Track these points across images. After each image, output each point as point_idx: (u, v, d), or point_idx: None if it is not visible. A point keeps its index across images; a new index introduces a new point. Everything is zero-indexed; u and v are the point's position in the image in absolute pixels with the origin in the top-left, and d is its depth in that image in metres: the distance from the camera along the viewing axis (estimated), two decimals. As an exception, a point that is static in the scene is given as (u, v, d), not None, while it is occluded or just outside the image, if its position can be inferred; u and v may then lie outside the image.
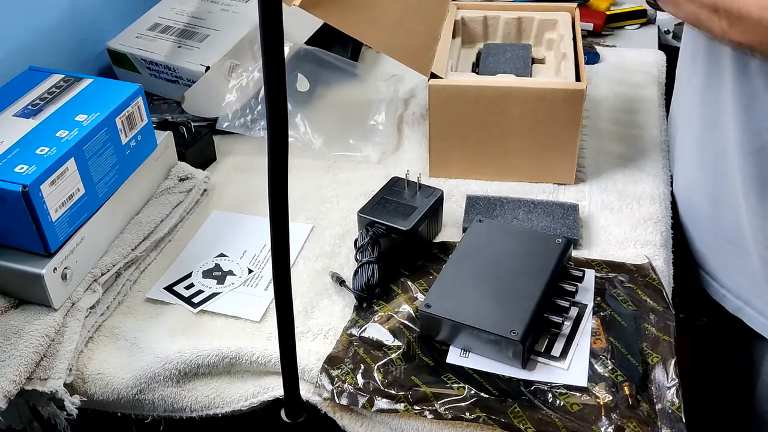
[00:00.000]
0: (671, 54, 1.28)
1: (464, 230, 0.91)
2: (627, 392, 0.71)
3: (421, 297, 0.82)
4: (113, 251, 0.87)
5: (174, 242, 0.94)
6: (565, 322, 0.77)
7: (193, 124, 1.05)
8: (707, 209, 0.90)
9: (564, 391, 0.71)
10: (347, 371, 0.74)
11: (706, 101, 0.87)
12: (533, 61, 1.06)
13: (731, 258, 0.89)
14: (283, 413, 0.71)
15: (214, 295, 0.85)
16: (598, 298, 0.80)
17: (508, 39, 1.12)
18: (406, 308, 0.80)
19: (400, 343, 0.76)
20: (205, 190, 1.01)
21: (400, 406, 0.70)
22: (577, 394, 0.71)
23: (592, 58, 1.25)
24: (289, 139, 0.86)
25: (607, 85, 1.19)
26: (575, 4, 1.11)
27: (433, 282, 0.80)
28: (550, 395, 0.71)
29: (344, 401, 0.72)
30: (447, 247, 0.89)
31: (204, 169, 1.03)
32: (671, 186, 0.98)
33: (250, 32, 1.14)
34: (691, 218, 0.95)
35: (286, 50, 1.10)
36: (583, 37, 1.30)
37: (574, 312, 0.79)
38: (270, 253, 0.61)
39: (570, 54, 0.99)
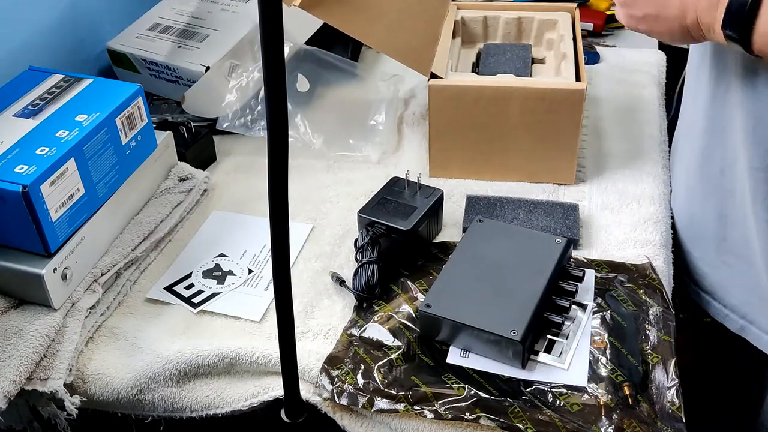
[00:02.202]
0: (671, 54, 1.28)
1: (464, 230, 0.91)
2: (627, 392, 0.71)
3: (421, 297, 0.82)
4: (113, 251, 0.87)
5: (174, 242, 0.94)
6: (565, 322, 0.77)
7: (193, 124, 1.05)
8: (713, 226, 0.88)
9: (564, 391, 0.71)
10: (347, 371, 0.74)
11: (712, 115, 0.84)
12: (533, 61, 1.06)
13: (738, 276, 0.87)
14: (283, 413, 0.71)
15: (214, 295, 0.85)
16: (598, 298, 0.80)
17: (508, 39, 1.12)
18: (406, 308, 0.80)
19: (400, 343, 0.76)
20: (205, 190, 1.01)
21: (400, 406, 0.71)
22: (577, 394, 0.71)
23: (592, 58, 1.25)
24: (289, 139, 0.85)
25: (607, 85, 1.19)
26: (575, 4, 1.11)
27: (433, 282, 0.80)
28: (550, 395, 0.71)
29: (344, 401, 0.72)
30: (447, 247, 0.89)
31: (204, 169, 1.03)
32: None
33: (250, 32, 1.14)
34: (692, 237, 0.93)
35: (286, 50, 1.10)
36: (583, 37, 1.30)
37: (574, 312, 0.79)
38: (270, 253, 0.61)
39: (570, 54, 0.99)
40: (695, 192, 0.91)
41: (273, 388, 0.76)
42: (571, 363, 0.74)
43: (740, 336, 0.89)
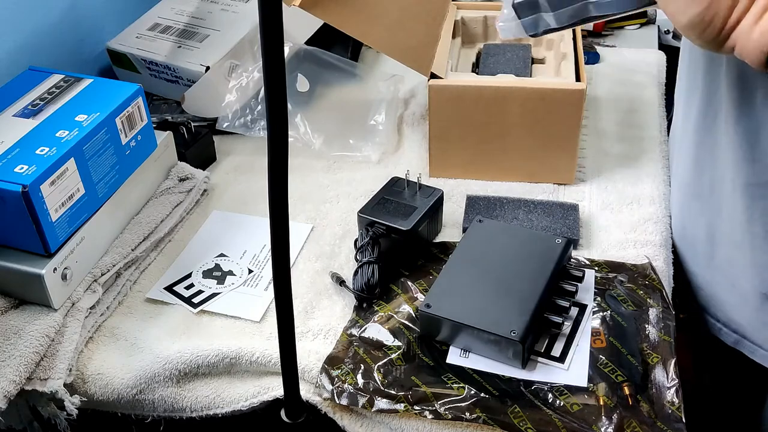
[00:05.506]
0: (671, 54, 1.28)
1: (464, 230, 0.91)
2: (627, 392, 0.71)
3: (421, 297, 0.82)
4: (113, 251, 0.87)
5: (174, 242, 0.94)
6: (565, 322, 0.77)
7: (193, 124, 1.05)
8: (703, 243, 0.88)
9: (564, 391, 0.71)
10: (347, 371, 0.74)
11: (704, 132, 0.84)
12: (533, 61, 1.06)
13: (726, 294, 0.87)
14: (283, 413, 0.71)
15: (214, 295, 0.85)
16: (598, 298, 0.80)
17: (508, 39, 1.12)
18: (406, 308, 0.80)
19: (400, 343, 0.76)
20: (205, 190, 1.01)
21: (400, 406, 0.71)
22: (577, 394, 0.71)
23: (592, 58, 1.25)
24: (289, 139, 0.85)
25: (607, 85, 1.19)
26: (575, 4, 1.10)
27: (433, 282, 0.80)
28: (550, 395, 0.71)
29: (344, 401, 0.72)
30: (447, 247, 0.89)
31: (204, 169, 1.03)
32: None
33: (250, 32, 1.14)
34: (685, 250, 0.92)
35: (286, 50, 1.10)
36: (583, 37, 1.30)
37: (574, 312, 0.79)
38: (270, 253, 0.61)
39: (570, 54, 0.99)
40: (687, 207, 0.91)
41: (273, 388, 0.76)
42: (571, 363, 0.74)
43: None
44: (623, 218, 0.93)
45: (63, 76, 0.92)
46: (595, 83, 1.19)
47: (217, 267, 0.89)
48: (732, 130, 0.78)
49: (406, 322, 0.79)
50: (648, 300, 0.80)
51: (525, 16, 0.71)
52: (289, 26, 0.63)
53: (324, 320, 0.82)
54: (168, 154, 0.98)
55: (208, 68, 1.09)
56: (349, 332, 0.79)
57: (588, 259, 0.86)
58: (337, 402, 0.72)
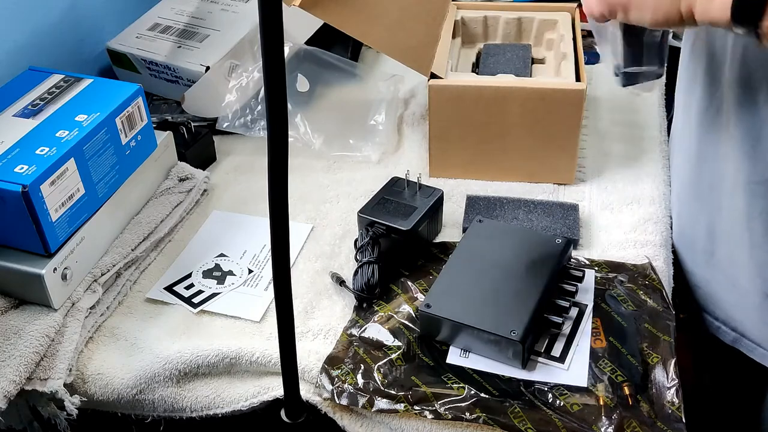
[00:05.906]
0: (671, 54, 1.28)
1: (464, 230, 0.91)
2: (627, 392, 0.71)
3: (421, 297, 0.82)
4: (113, 251, 0.87)
5: (174, 242, 0.94)
6: (565, 322, 0.77)
7: (193, 124, 1.05)
8: (704, 241, 0.88)
9: (564, 391, 0.71)
10: (347, 371, 0.74)
11: (704, 130, 0.84)
12: (533, 61, 1.06)
13: (726, 291, 0.87)
14: (283, 413, 0.71)
15: (214, 295, 0.85)
16: (598, 298, 0.80)
17: (508, 39, 1.12)
18: (406, 308, 0.80)
19: (400, 343, 0.76)
20: (205, 190, 1.01)
21: (400, 406, 0.71)
22: (577, 394, 0.71)
23: (592, 58, 1.25)
24: (289, 139, 0.85)
25: (607, 85, 1.19)
26: (575, 4, 1.11)
27: (433, 282, 0.80)
28: (550, 395, 0.71)
29: (344, 401, 0.72)
30: (447, 247, 0.89)
31: (204, 169, 1.03)
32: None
33: (250, 32, 1.14)
34: (683, 249, 0.93)
35: (286, 50, 1.10)
36: (583, 37, 1.29)
37: (574, 312, 0.79)
38: (270, 253, 0.61)
39: (570, 54, 0.99)
40: (687, 205, 0.91)
41: (273, 388, 0.76)
42: (571, 363, 0.74)
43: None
44: (623, 218, 0.93)
45: (63, 76, 0.92)
46: (595, 83, 1.19)
47: (217, 267, 0.89)
48: (734, 127, 0.78)
49: (406, 322, 0.79)
50: (648, 300, 0.80)
51: (637, 82, 0.82)
52: (289, 26, 0.63)
53: (324, 320, 0.82)
54: (168, 154, 0.98)
55: (208, 68, 1.09)
56: (349, 332, 0.79)
57: (588, 259, 0.86)
58: (337, 402, 0.72)
